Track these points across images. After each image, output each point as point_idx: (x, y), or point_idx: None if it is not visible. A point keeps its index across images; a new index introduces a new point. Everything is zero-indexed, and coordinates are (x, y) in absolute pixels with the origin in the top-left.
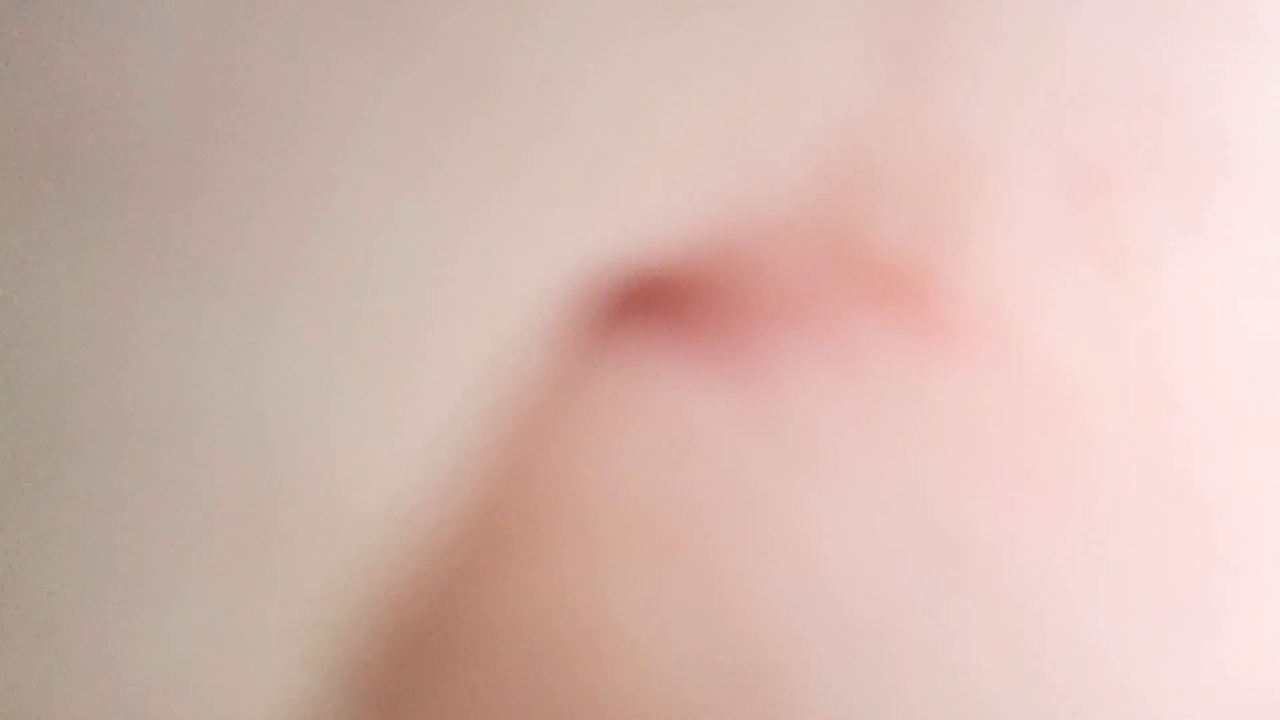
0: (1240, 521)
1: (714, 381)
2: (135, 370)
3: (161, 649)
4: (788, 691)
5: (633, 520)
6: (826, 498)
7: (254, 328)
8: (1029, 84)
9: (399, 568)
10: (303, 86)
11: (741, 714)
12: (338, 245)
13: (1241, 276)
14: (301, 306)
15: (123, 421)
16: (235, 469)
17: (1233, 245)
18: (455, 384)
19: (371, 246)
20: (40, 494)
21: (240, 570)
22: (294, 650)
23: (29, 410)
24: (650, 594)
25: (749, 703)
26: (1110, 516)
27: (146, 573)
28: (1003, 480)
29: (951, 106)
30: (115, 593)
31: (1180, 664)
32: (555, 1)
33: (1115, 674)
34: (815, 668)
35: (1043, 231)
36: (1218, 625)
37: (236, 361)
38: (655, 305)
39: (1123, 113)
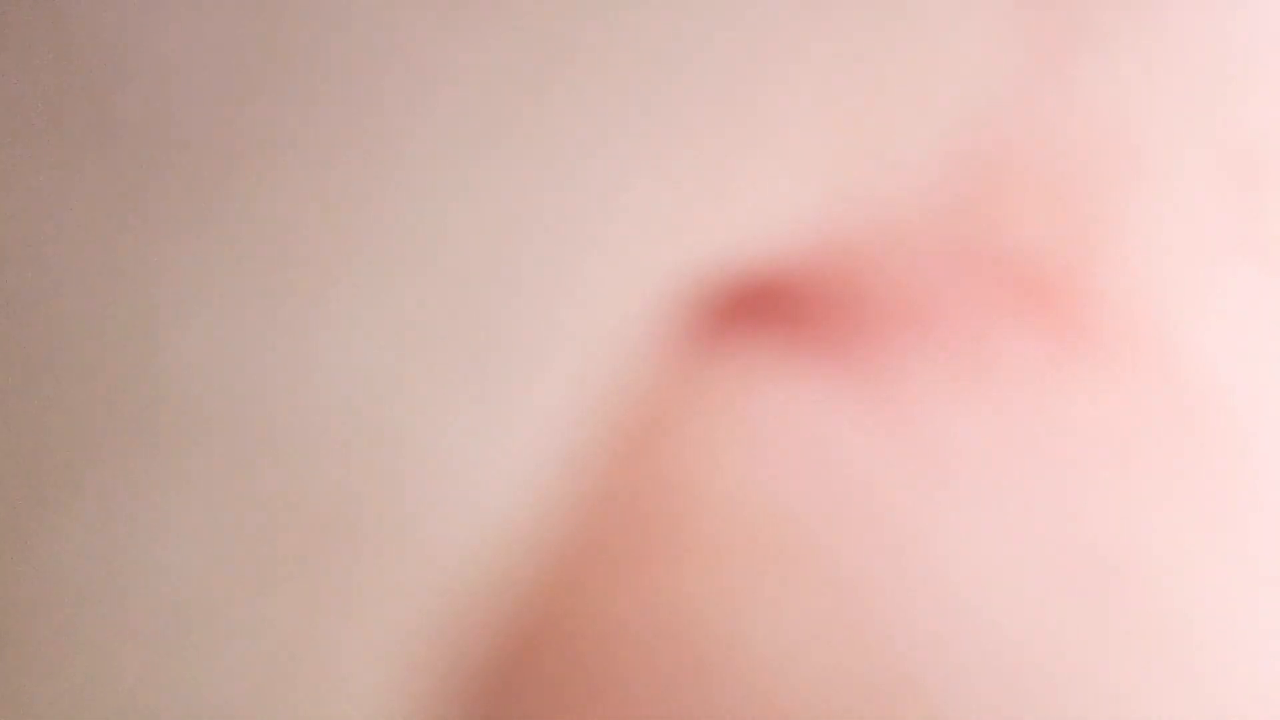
0: None
1: (838, 388)
2: (193, 354)
3: (233, 671)
4: (924, 709)
5: (755, 530)
6: (960, 510)
7: (334, 310)
8: (1184, 69)
9: (503, 580)
10: (382, 45)
11: None
12: (426, 222)
13: None
14: (379, 288)
15: (177, 413)
16: (310, 468)
17: None
18: (561, 386)
19: (468, 234)
20: (83, 497)
21: (322, 582)
22: (385, 671)
23: (70, 402)
24: (776, 606)
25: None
26: (1272, 534)
27: (212, 586)
28: (1152, 495)
29: (1100, 95)
30: (177, 609)
31: None
32: None
33: None
34: (954, 686)
35: (1200, 229)
36: None
37: (309, 348)
38: (775, 306)
39: None
